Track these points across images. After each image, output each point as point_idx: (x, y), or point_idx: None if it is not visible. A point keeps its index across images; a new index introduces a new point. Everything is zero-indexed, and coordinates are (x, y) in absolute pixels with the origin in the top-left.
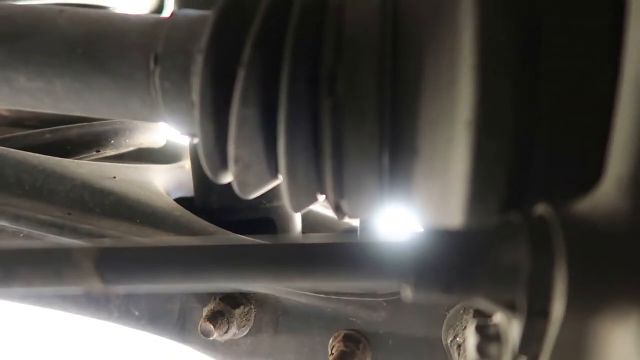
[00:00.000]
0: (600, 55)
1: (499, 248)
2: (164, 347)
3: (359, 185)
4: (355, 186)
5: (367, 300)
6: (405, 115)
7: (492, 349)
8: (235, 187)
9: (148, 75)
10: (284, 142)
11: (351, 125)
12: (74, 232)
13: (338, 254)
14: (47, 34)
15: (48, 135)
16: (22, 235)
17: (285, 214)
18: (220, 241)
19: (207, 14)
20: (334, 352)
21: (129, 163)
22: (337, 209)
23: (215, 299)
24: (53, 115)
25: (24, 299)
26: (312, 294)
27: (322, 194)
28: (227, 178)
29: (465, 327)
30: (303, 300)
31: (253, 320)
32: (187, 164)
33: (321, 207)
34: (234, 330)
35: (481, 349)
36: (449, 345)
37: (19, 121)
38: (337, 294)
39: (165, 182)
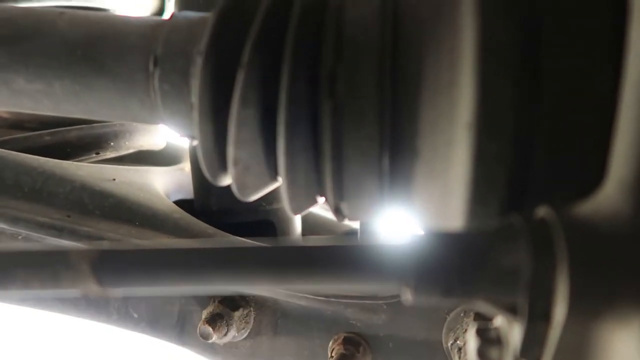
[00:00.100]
0: (600, 56)
1: (500, 250)
2: (162, 349)
3: (359, 187)
4: (354, 188)
5: (366, 303)
6: (405, 116)
7: (493, 352)
8: (234, 189)
9: (147, 77)
10: (283, 143)
11: (351, 126)
12: (73, 234)
13: (338, 257)
14: (46, 35)
15: (47, 137)
16: (20, 237)
17: (285, 216)
18: (219, 243)
19: (206, 16)
20: (333, 354)
21: (128, 165)
22: (337, 211)
23: (214, 302)
24: (53, 117)
25: (23, 301)
26: (311, 297)
27: (321, 195)
28: (226, 180)
29: (466, 330)
30: (302, 302)
31: (252, 323)
32: (186, 166)
33: (321, 209)
34: (232, 332)
35: (482, 352)
36: (449, 348)
37: (19, 123)
38: (336, 296)
39: (165, 184)
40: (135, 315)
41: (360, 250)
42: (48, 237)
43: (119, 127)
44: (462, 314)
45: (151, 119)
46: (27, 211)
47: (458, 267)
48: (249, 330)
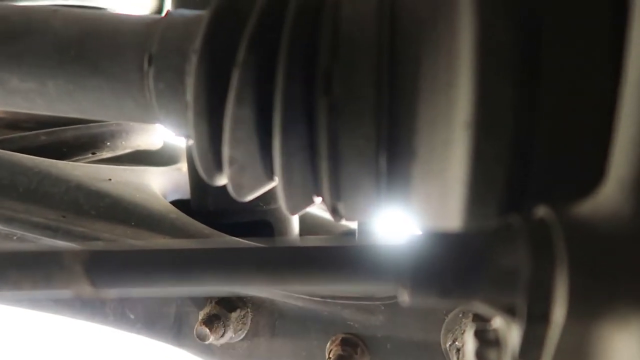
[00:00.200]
0: (600, 56)
1: (498, 251)
2: (158, 350)
3: (356, 187)
4: (351, 188)
5: (364, 304)
6: (402, 116)
7: (491, 354)
8: (230, 189)
9: (142, 75)
10: (279, 143)
11: (347, 125)
12: (68, 235)
13: (335, 257)
14: (40, 34)
15: (43, 137)
16: (15, 237)
17: (282, 216)
18: (216, 244)
19: (202, 14)
20: (331, 355)
21: (125, 165)
22: (334, 211)
23: (211, 302)
24: (49, 116)
25: (17, 302)
26: (309, 297)
27: (318, 195)
28: (222, 180)
29: (464, 331)
30: (300, 303)
31: (249, 324)
32: (183, 166)
33: (318, 209)
34: (230, 333)
35: (480, 354)
36: (448, 349)
37: (15, 123)
38: (334, 297)
39: (162, 185)
40: (132, 317)
41: (358, 250)
42: (43, 238)
43: (116, 127)
44: (460, 315)
45: (146, 119)
46: (22, 211)
47: (456, 268)
48: (246, 332)
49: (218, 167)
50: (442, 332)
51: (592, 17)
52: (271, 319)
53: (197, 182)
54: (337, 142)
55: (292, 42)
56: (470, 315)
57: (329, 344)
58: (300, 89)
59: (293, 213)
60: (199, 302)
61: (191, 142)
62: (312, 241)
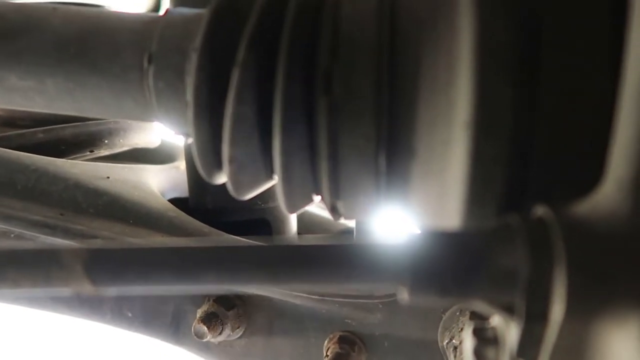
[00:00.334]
0: (600, 56)
1: (497, 250)
2: (154, 347)
3: (355, 186)
4: (351, 187)
5: (362, 302)
6: (402, 116)
7: (489, 352)
8: (230, 188)
9: (141, 74)
10: (279, 141)
11: (347, 125)
12: (66, 233)
13: (334, 256)
14: (39, 32)
15: (41, 135)
16: (12, 235)
17: (281, 214)
18: (214, 242)
19: (201, 13)
20: (328, 353)
21: (123, 163)
22: (333, 209)
23: (209, 301)
24: (47, 114)
25: (15, 300)
26: (306, 295)
27: (317, 194)
28: (221, 178)
29: (461, 329)
30: (297, 301)
31: (247, 322)
32: (181, 164)
33: (317, 207)
34: (227, 331)
35: (478, 352)
36: (445, 347)
37: (12, 120)
38: (332, 295)
39: (160, 183)
40: (130, 315)
41: (357, 249)
42: (41, 236)
43: (114, 125)
44: (457, 313)
45: (145, 117)
46: (20, 209)
47: (455, 267)
48: (244, 329)
49: (217, 165)
50: (440, 330)
51: (591, 17)
52: (269, 317)
53: (195, 180)
54: (337, 142)
55: (292, 42)
56: (468, 314)
57: (326, 341)
58: (300, 88)
59: (292, 212)
60: (197, 300)
61: (190, 140)
62: (311, 240)
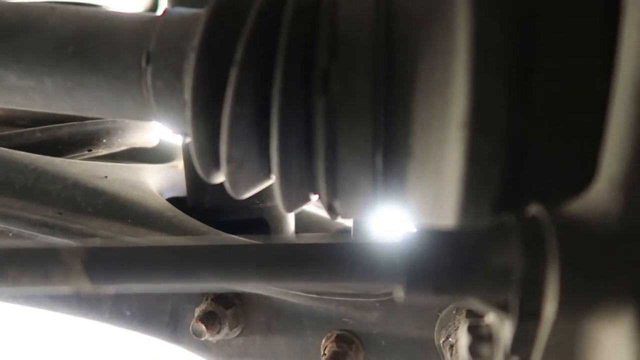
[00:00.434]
0: (594, 56)
1: (492, 249)
2: (149, 345)
3: (352, 185)
4: (348, 186)
5: (359, 301)
6: (398, 115)
7: (484, 349)
8: (228, 187)
9: (140, 73)
10: (276, 141)
11: (344, 124)
12: (65, 232)
13: (331, 254)
14: (37, 31)
15: (39, 134)
16: (11, 234)
17: (278, 213)
18: (212, 241)
19: (200, 12)
20: (326, 352)
21: (121, 162)
22: (330, 209)
23: (207, 299)
24: (44, 113)
25: (13, 298)
26: (304, 294)
27: (315, 193)
28: (219, 177)
29: (458, 328)
30: (295, 300)
31: (245, 321)
32: (179, 163)
33: (314, 207)
34: (225, 330)
35: (473, 349)
36: (441, 345)
37: (11, 120)
38: (329, 294)
39: (158, 182)
40: (128, 313)
41: (353, 248)
42: (40, 235)
43: (112, 124)
44: (454, 312)
45: (144, 116)
46: (19, 208)
47: (450, 265)
48: (241, 328)
49: (216, 164)
50: (436, 328)
51: (586, 17)
52: (267, 316)
53: (193, 179)
54: (335, 141)
55: (291, 41)
56: (464, 312)
57: (324, 340)
58: (298, 88)
59: (290, 211)
60: (195, 299)
61: (189, 139)
62: (308, 239)
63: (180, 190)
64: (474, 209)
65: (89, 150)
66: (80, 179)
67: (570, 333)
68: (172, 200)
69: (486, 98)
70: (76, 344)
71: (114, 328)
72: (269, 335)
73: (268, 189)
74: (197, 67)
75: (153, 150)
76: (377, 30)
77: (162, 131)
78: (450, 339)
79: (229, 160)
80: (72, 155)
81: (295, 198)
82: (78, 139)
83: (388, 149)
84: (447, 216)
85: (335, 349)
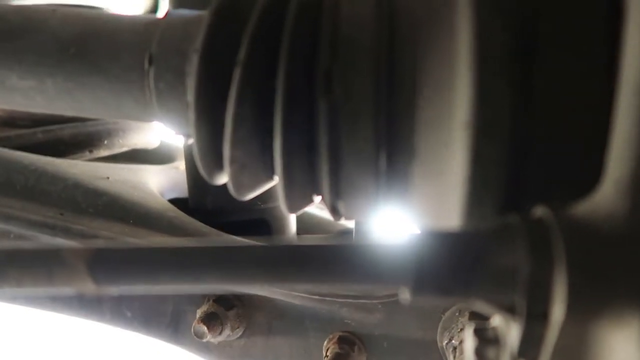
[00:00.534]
0: (597, 56)
1: (497, 250)
2: (156, 348)
3: (356, 186)
4: (351, 187)
5: (362, 302)
6: (401, 116)
7: (490, 352)
8: (231, 188)
9: (142, 75)
10: (279, 142)
11: (347, 125)
12: (66, 233)
13: (334, 256)
14: (39, 33)
15: (40, 135)
16: (12, 235)
17: (280, 215)
18: (214, 242)
19: (202, 14)
20: (328, 354)
21: (122, 163)
22: (334, 210)
23: (208, 301)
24: (46, 114)
25: (14, 299)
26: (306, 296)
27: (317, 194)
28: (222, 179)
29: (461, 329)
30: (297, 301)
31: (247, 322)
32: (181, 164)
33: (316, 208)
34: (227, 331)
35: (479, 352)
36: (444, 347)
37: (12, 120)
38: (331, 295)
39: (159, 183)
40: (129, 314)
41: (357, 249)
42: (41, 236)
43: (113, 125)
44: (457, 314)
45: (146, 118)
46: (20, 209)
47: (456, 267)
48: (243, 329)
49: (218, 166)
50: (439, 330)
51: (589, 17)
52: (268, 317)
53: (195, 180)
54: (338, 142)
55: (293, 42)
56: (467, 314)
57: (326, 342)
58: (300, 88)
59: (292, 212)
60: (197, 300)
61: (191, 141)
62: (310, 240)
63: (182, 191)
64: (478, 209)
65: (90, 152)
66: (80, 180)
67: (578, 336)
68: (173, 201)
69: (490, 98)
70: (76, 344)
71: (115, 329)
72: (270, 336)
73: (270, 190)
74: (200, 68)
75: (154, 151)
76: (379, 30)
77: (163, 132)
78: (453, 341)
79: (232, 161)
80: (73, 156)
81: (299, 199)
82: (79, 140)
83: (391, 149)
84: (451, 217)
85: (337, 350)
